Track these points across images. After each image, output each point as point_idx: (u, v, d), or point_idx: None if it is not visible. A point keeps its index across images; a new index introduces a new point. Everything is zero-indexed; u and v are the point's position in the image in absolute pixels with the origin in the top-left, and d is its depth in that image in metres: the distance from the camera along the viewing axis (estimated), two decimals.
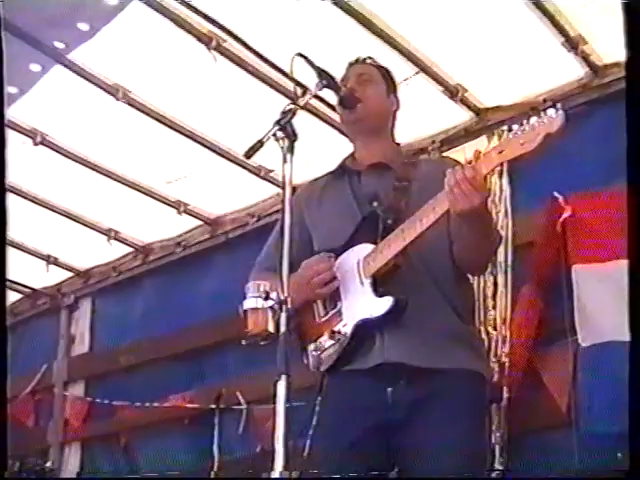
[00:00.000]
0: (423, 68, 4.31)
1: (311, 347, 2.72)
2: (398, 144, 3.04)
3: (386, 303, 2.59)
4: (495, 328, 4.29)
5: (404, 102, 3.05)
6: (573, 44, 4.10)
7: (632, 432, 2.03)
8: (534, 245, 4.36)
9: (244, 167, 5.07)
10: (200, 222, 5.88)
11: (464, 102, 4.59)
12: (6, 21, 2.54)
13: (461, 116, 4.73)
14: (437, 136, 4.82)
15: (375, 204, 2.77)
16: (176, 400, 5.57)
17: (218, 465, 4.79)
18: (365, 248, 2.67)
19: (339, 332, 2.66)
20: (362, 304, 2.64)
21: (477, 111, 4.67)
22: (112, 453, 6.07)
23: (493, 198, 4.36)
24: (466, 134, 4.75)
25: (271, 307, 2.29)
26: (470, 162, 2.56)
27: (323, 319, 2.73)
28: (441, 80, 4.43)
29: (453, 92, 4.50)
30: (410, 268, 2.62)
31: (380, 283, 2.63)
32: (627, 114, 2.11)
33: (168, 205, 5.61)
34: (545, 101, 4.18)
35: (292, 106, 2.47)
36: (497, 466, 4.00)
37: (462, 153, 4.55)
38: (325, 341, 2.69)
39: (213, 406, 5.02)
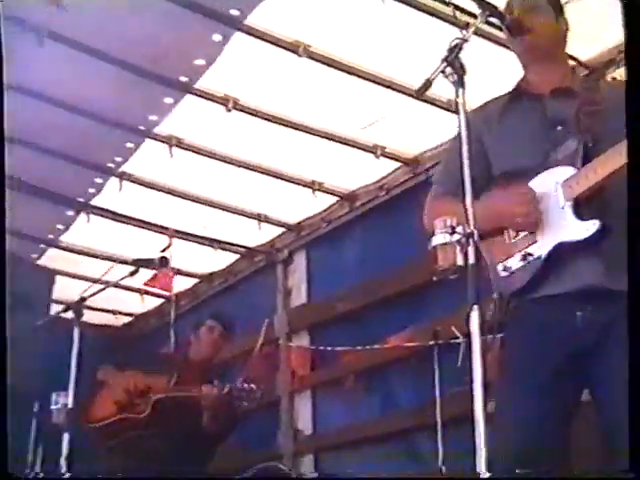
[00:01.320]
0: None
1: (499, 267, 2.71)
2: (573, 67, 2.96)
3: (591, 227, 2.54)
4: None
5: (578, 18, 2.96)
6: None
7: (632, 432, 1.97)
8: None
9: (433, 103, 5.05)
10: (399, 163, 5.92)
11: None
12: None
13: None
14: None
15: (562, 128, 2.71)
16: (396, 340, 5.67)
17: (441, 401, 4.84)
18: (565, 171, 2.62)
19: (532, 254, 2.63)
20: (561, 227, 2.59)
21: None
22: (339, 399, 6.26)
23: None
24: None
25: (458, 241, 2.31)
26: None
27: (514, 240, 2.70)
28: None
29: None
30: (611, 194, 2.56)
31: (583, 207, 2.58)
32: (627, 114, 2.05)
33: (366, 151, 5.67)
34: None
35: (458, 41, 2.46)
36: None
37: None
38: (516, 263, 2.67)
39: (432, 342, 5.06)
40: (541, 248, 2.62)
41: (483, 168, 2.79)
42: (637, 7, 2.21)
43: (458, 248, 2.30)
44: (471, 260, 2.28)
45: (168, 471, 4.62)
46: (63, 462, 3.83)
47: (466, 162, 2.37)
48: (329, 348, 6.17)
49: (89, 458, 4.80)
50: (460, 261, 2.29)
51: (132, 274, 4.39)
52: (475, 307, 2.24)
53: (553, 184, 2.63)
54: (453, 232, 2.31)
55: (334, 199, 6.41)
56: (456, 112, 2.42)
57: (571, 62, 3.47)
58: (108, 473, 4.82)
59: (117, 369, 5.13)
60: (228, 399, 4.79)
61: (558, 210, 2.62)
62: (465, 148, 2.38)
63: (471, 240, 2.29)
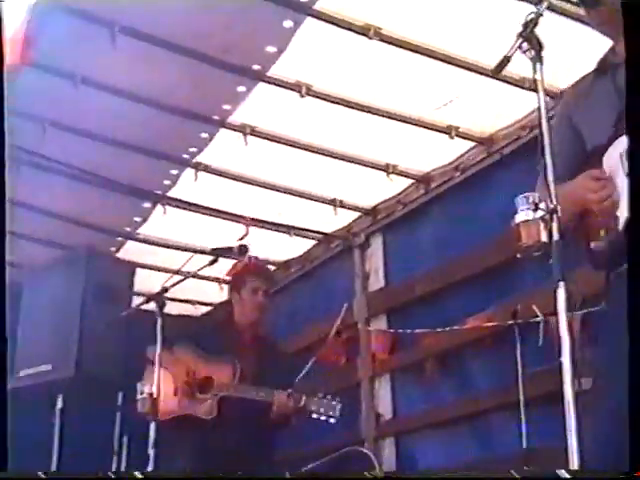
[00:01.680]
0: None
1: (592, 245, 2.67)
2: None
3: None
4: None
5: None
6: None
7: (632, 432, 1.92)
8: None
9: (506, 81, 4.99)
10: (474, 143, 5.87)
11: None
12: None
13: None
14: None
15: None
16: (475, 321, 5.63)
17: (523, 380, 4.80)
18: (624, 141, 2.57)
19: (614, 229, 2.58)
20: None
21: None
22: (420, 382, 6.25)
23: None
24: None
25: (542, 217, 2.29)
26: None
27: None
28: None
29: None
30: None
31: None
32: (627, 116, 1.97)
33: (440, 131, 5.64)
34: None
35: (532, 15, 2.43)
36: None
37: None
38: (603, 237, 2.61)
39: (511, 322, 5.02)
40: (621, 223, 2.58)
41: (578, 147, 2.76)
42: (637, 7, 2.18)
43: (542, 225, 2.29)
44: (555, 236, 2.26)
45: (233, 468, 4.41)
46: (151, 451, 3.89)
47: (547, 139, 2.35)
48: (408, 331, 6.16)
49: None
50: (544, 237, 2.28)
51: (211, 263, 4.41)
52: (561, 284, 2.22)
53: (617, 156, 2.59)
54: (536, 209, 2.29)
55: (409, 181, 6.39)
56: (533, 89, 2.40)
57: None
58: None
59: (169, 350, 4.67)
60: (302, 411, 4.56)
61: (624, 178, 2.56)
62: (545, 125, 2.36)
63: (555, 216, 2.27)
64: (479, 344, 5.69)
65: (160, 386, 4.24)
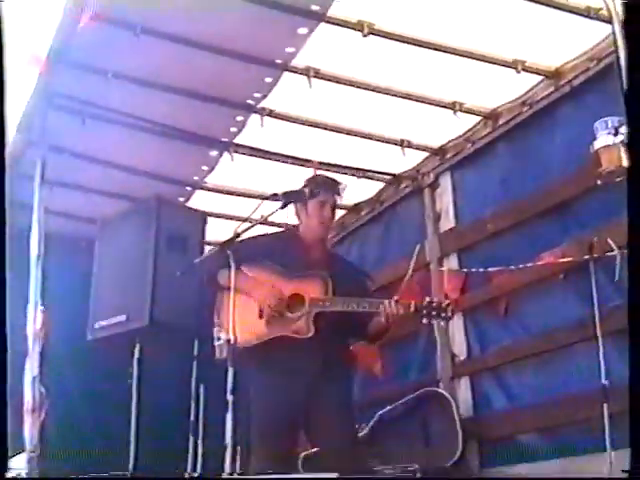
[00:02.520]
0: None
1: None
2: None
3: None
4: None
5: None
6: None
7: (632, 432, 1.86)
8: None
9: (571, 11, 4.88)
10: (541, 77, 5.76)
11: None
12: None
13: None
14: None
15: None
16: (549, 257, 5.56)
17: (599, 315, 4.74)
18: None
19: None
20: None
21: None
22: (493, 320, 6.21)
23: None
24: None
25: (622, 141, 2.24)
26: None
27: None
28: None
29: None
30: None
31: None
32: (627, 117, 1.87)
33: (506, 66, 5.53)
34: None
35: None
36: None
37: None
38: None
39: (587, 257, 4.94)
40: None
41: None
42: (637, 7, 2.09)
43: (622, 149, 2.23)
44: None
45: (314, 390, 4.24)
46: (229, 397, 3.89)
47: (624, 62, 2.28)
48: (481, 270, 6.11)
49: None
50: (625, 162, 2.22)
51: (282, 208, 4.34)
52: None
53: None
54: (617, 133, 2.24)
55: (477, 119, 6.31)
56: (599, 19, 2.34)
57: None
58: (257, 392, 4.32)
59: (242, 273, 4.29)
60: (413, 315, 4.19)
61: None
62: (622, 53, 2.29)
63: None
64: (553, 280, 5.62)
65: (235, 316, 4.02)
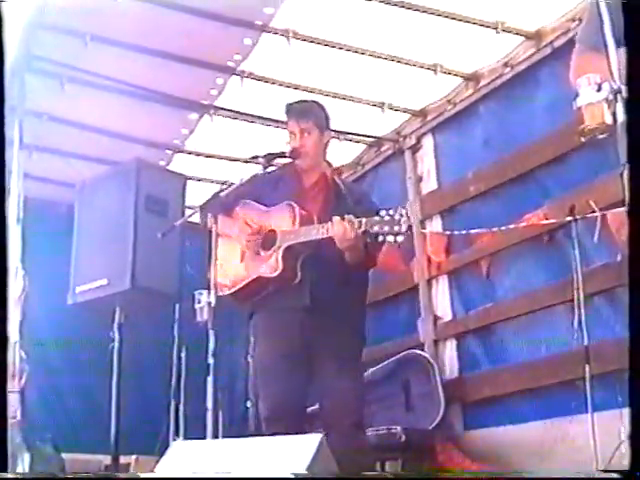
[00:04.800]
0: None
1: None
2: None
3: None
4: None
5: None
6: None
7: (632, 432, 1.86)
8: None
9: None
10: (522, 38, 5.72)
11: None
12: None
13: None
14: None
15: None
16: (531, 219, 5.56)
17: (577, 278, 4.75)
18: None
19: None
20: None
21: None
22: (476, 282, 6.22)
23: None
24: None
25: (605, 98, 2.21)
26: None
27: None
28: None
29: None
30: None
31: None
32: (628, 118, 2.03)
33: (486, 27, 5.50)
34: None
35: None
36: None
37: None
38: None
39: (569, 218, 4.93)
40: None
41: None
42: (637, 7, 2.07)
43: (605, 106, 2.20)
44: (620, 118, 2.17)
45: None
46: (210, 360, 3.84)
47: (607, 19, 2.25)
48: (463, 232, 6.10)
49: None
50: (608, 119, 2.19)
51: (265, 169, 4.24)
52: (627, 167, 2.13)
53: None
54: (599, 89, 2.20)
55: (458, 80, 6.28)
56: None
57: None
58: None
59: (229, 216, 4.11)
60: (365, 236, 3.66)
61: None
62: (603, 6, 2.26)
63: (619, 96, 2.18)
64: (535, 241, 5.62)
65: (221, 266, 3.88)
